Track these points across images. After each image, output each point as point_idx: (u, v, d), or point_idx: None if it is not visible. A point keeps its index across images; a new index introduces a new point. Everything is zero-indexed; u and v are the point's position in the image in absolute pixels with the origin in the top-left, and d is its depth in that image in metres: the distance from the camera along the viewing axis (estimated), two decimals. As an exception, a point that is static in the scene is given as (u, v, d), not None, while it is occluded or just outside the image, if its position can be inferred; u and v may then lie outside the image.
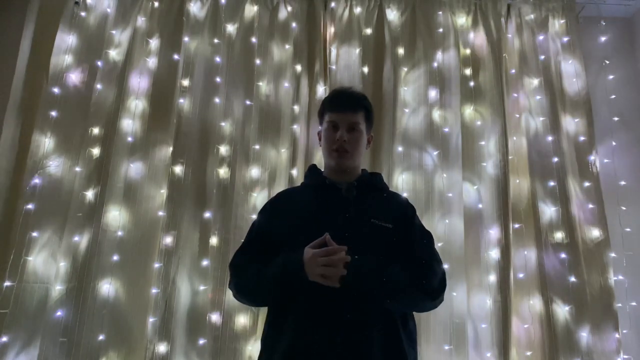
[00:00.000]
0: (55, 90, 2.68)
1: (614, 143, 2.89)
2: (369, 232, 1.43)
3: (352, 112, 1.56)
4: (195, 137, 2.71)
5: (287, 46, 2.90)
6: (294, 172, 2.69)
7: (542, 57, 2.94)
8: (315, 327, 1.33)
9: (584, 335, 2.50)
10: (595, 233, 2.67)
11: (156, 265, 2.49)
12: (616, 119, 2.94)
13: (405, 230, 1.51)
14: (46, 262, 2.47)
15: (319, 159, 2.61)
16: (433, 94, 2.84)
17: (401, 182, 2.69)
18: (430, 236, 1.57)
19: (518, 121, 2.85)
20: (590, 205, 2.70)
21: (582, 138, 2.81)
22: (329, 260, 1.30)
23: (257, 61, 2.84)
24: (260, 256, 1.47)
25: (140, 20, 2.86)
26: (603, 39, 3.05)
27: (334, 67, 2.87)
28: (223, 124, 2.74)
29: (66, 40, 2.78)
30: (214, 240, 2.57)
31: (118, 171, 2.61)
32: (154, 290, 2.46)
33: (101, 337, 2.38)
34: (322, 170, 1.67)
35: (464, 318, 2.51)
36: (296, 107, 2.81)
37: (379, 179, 1.66)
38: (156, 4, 2.90)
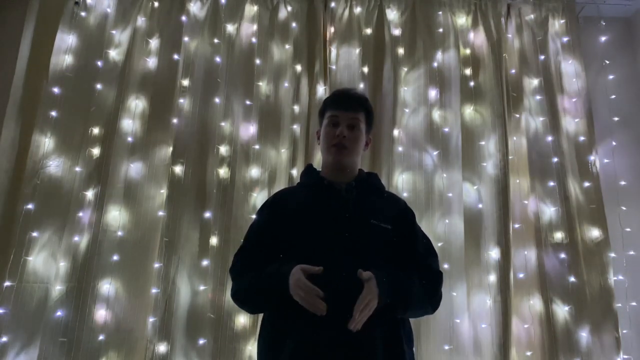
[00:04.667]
0: (55, 90, 2.68)
1: (614, 143, 2.88)
2: (369, 232, 1.43)
3: (353, 110, 1.57)
4: (195, 137, 2.71)
5: (287, 46, 2.90)
6: (294, 172, 2.69)
7: (542, 57, 2.94)
8: (319, 327, 1.32)
9: (584, 335, 2.50)
10: (595, 233, 2.67)
11: (156, 265, 2.49)
12: (616, 119, 2.94)
13: (405, 234, 1.53)
14: (46, 262, 2.47)
15: (319, 159, 2.59)
16: (433, 94, 2.84)
17: (401, 182, 2.69)
18: (431, 243, 1.61)
19: (518, 121, 2.85)
20: (590, 205, 2.70)
21: (582, 138, 2.81)
22: (305, 296, 1.28)
23: (257, 61, 2.85)
24: (259, 259, 1.47)
25: (140, 20, 2.86)
26: (603, 39, 3.05)
27: (334, 67, 2.87)
28: (223, 124, 2.74)
29: (66, 40, 2.78)
30: (214, 240, 2.57)
31: (118, 171, 2.61)
32: (154, 290, 2.46)
33: (101, 337, 2.38)
34: (319, 170, 1.67)
35: (464, 318, 2.51)
36: (296, 107, 2.81)
37: (376, 179, 1.66)
38: (156, 4, 2.90)
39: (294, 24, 2.93)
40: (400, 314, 1.42)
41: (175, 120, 2.70)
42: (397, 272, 1.42)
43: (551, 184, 2.72)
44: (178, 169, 2.64)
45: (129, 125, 2.71)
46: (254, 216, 2.55)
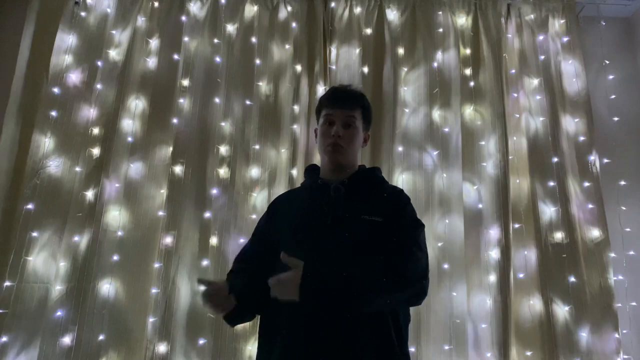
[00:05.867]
0: (55, 90, 2.68)
1: (614, 143, 2.89)
2: (359, 228, 1.41)
3: (348, 108, 1.55)
4: (195, 137, 2.71)
5: (287, 46, 2.90)
6: (294, 172, 2.69)
7: (542, 57, 2.94)
8: (307, 329, 1.32)
9: (584, 335, 2.50)
10: (595, 233, 2.67)
11: (156, 265, 2.49)
12: (616, 119, 2.94)
13: (397, 221, 1.45)
14: (46, 262, 2.47)
15: (319, 158, 2.60)
16: (433, 94, 2.85)
17: (401, 182, 2.69)
18: (419, 225, 1.49)
19: (518, 121, 2.85)
20: (590, 205, 2.70)
21: (582, 138, 2.81)
22: (212, 306, 1.40)
23: (257, 61, 2.85)
24: (255, 261, 1.50)
25: (140, 20, 2.86)
26: (603, 39, 3.05)
27: (334, 67, 2.87)
28: (223, 124, 2.74)
29: (66, 40, 2.78)
30: (214, 240, 2.57)
31: (118, 171, 2.61)
32: (154, 290, 2.46)
33: (101, 337, 2.38)
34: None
35: (464, 318, 2.51)
36: (296, 107, 2.81)
37: (375, 173, 1.63)
38: (156, 4, 2.90)
39: (294, 24, 2.93)
40: (347, 310, 1.30)
41: (175, 120, 2.70)
42: (336, 266, 1.29)
43: (551, 184, 2.72)
44: (178, 169, 2.64)
45: (129, 125, 2.71)
46: (254, 216, 2.59)
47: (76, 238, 2.50)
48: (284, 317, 1.36)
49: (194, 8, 2.92)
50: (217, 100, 2.76)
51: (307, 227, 1.44)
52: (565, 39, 2.99)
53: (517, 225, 2.67)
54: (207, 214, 2.59)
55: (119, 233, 2.53)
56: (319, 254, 1.35)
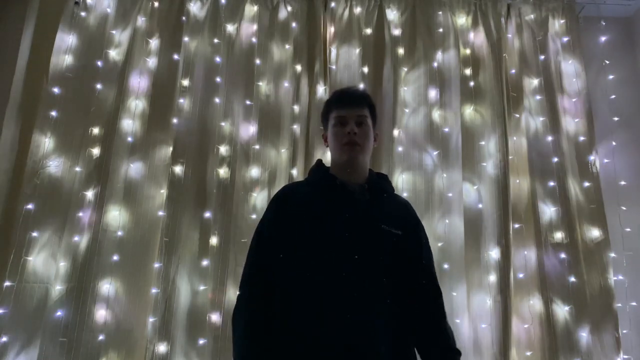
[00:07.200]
0: (55, 90, 2.68)
1: (614, 143, 2.88)
2: (378, 237, 1.42)
3: (359, 107, 1.57)
4: (195, 137, 2.71)
5: (287, 46, 2.90)
6: (294, 172, 2.69)
7: (542, 57, 2.94)
8: (325, 328, 1.31)
9: (584, 335, 2.50)
10: (595, 233, 2.67)
11: (156, 265, 2.49)
12: (616, 119, 2.94)
13: (414, 242, 1.52)
14: (46, 262, 2.47)
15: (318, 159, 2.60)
16: (433, 94, 2.84)
17: (401, 182, 2.69)
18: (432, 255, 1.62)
19: (518, 121, 2.85)
20: (590, 205, 2.70)
21: (582, 138, 2.81)
22: None
23: (257, 61, 2.85)
24: (268, 278, 1.41)
25: (140, 20, 2.86)
26: (603, 39, 3.05)
27: (334, 67, 2.87)
28: (223, 124, 2.74)
29: (66, 40, 2.78)
30: (214, 240, 2.57)
31: (118, 171, 2.62)
32: (154, 290, 2.46)
33: (101, 337, 2.38)
34: (328, 167, 1.62)
35: (464, 318, 2.51)
36: (296, 107, 2.81)
37: (387, 181, 1.64)
38: (156, 4, 2.90)
39: (294, 24, 2.93)
40: None
41: (175, 120, 2.70)
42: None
43: (551, 184, 2.72)
44: (178, 169, 2.64)
45: (129, 125, 2.71)
46: (254, 216, 2.58)
47: (76, 238, 2.50)
48: (289, 318, 1.35)
49: (194, 8, 2.92)
50: (217, 100, 2.76)
51: (330, 229, 1.41)
52: (565, 39, 2.99)
53: (517, 225, 2.67)
54: (207, 214, 2.59)
55: (119, 233, 2.53)
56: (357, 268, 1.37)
